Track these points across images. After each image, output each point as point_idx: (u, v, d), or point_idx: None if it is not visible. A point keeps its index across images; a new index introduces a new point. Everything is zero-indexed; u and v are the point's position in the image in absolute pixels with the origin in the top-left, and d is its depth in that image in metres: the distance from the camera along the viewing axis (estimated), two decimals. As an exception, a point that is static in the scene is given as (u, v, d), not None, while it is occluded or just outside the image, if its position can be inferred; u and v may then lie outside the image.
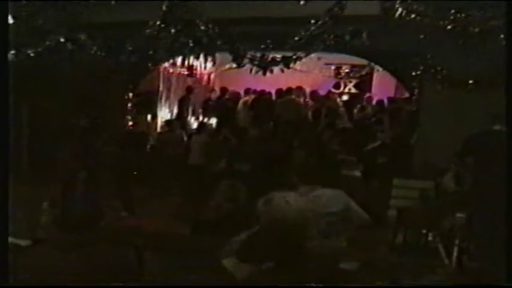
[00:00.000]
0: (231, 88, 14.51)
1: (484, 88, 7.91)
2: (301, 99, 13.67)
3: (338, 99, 14.38)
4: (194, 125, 13.44)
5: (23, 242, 3.75)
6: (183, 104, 13.72)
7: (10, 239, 2.93)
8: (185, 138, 11.45)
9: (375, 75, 14.70)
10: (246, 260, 2.57)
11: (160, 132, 12.52)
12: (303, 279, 2.80)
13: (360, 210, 4.85)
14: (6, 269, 2.43)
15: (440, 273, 3.70)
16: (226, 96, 14.19)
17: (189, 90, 13.99)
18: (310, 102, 13.76)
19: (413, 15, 7.00)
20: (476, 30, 6.57)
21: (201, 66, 14.87)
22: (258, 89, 13.90)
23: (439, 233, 5.94)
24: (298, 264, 2.66)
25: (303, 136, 10.18)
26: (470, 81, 8.11)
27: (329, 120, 12.04)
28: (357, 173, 8.81)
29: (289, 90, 13.49)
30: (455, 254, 5.35)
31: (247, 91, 13.98)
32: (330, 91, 15.11)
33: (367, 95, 14.41)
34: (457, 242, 5.37)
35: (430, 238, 6.14)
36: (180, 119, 13.16)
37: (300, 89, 13.78)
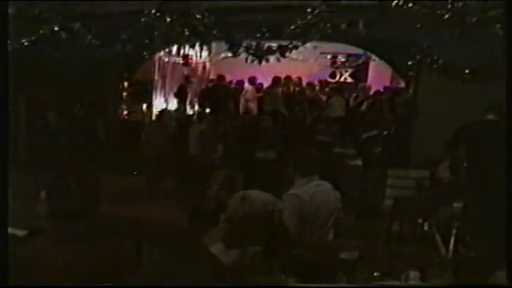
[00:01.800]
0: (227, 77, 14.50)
1: (481, 78, 7.91)
2: (291, 89, 13.73)
3: (327, 89, 14.39)
4: (190, 113, 13.42)
5: (19, 232, 3.74)
6: (181, 94, 13.68)
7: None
8: (173, 129, 11.29)
9: (371, 65, 14.66)
10: (232, 246, 2.59)
11: (149, 123, 12.34)
12: (292, 265, 2.83)
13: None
14: (6, 269, 2.42)
15: (437, 262, 3.69)
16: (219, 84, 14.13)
17: (187, 79, 13.96)
18: (297, 93, 13.78)
19: (410, 4, 6.99)
20: (474, 19, 6.56)
21: (196, 56, 14.82)
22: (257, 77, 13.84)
23: (436, 223, 5.94)
24: (285, 250, 2.69)
25: (291, 127, 10.17)
26: (467, 71, 8.12)
27: (316, 110, 12.16)
28: (358, 162, 8.76)
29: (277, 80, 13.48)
30: (451, 243, 5.36)
31: (251, 80, 13.87)
32: (325, 80, 15.11)
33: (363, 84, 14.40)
34: (453, 231, 5.36)
35: (426, 228, 6.14)
36: (179, 108, 13.16)
37: (289, 78, 13.82)
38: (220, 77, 14.08)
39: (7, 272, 2.46)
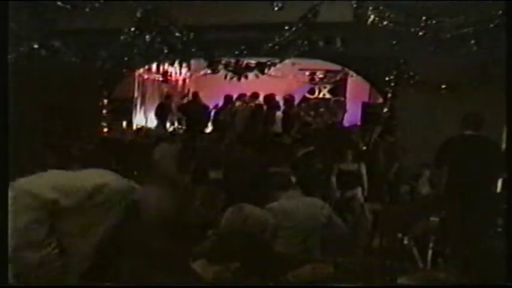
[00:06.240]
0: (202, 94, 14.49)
1: (457, 93, 8.04)
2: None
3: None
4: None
5: None
6: (160, 112, 13.61)
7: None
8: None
9: (349, 81, 14.75)
10: (215, 262, 2.60)
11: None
12: (273, 279, 2.84)
13: (340, 221, 4.76)
14: (6, 269, 2.42)
15: (415, 276, 3.73)
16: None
17: (168, 97, 13.93)
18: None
19: (385, 22, 7.10)
20: (448, 36, 6.69)
21: (176, 73, 14.82)
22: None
23: (413, 237, 6.00)
24: (266, 265, 2.70)
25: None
26: (443, 86, 8.25)
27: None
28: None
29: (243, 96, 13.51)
30: (429, 257, 5.43)
31: (241, 96, 13.79)
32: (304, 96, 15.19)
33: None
34: (431, 245, 5.43)
35: (405, 242, 6.19)
36: (160, 126, 13.14)
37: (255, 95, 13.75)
38: (195, 94, 14.09)
39: (7, 272, 2.46)
